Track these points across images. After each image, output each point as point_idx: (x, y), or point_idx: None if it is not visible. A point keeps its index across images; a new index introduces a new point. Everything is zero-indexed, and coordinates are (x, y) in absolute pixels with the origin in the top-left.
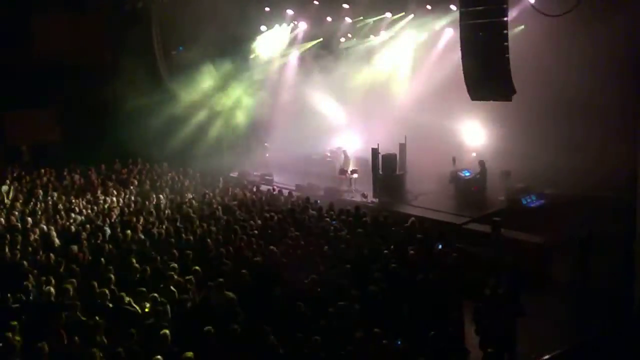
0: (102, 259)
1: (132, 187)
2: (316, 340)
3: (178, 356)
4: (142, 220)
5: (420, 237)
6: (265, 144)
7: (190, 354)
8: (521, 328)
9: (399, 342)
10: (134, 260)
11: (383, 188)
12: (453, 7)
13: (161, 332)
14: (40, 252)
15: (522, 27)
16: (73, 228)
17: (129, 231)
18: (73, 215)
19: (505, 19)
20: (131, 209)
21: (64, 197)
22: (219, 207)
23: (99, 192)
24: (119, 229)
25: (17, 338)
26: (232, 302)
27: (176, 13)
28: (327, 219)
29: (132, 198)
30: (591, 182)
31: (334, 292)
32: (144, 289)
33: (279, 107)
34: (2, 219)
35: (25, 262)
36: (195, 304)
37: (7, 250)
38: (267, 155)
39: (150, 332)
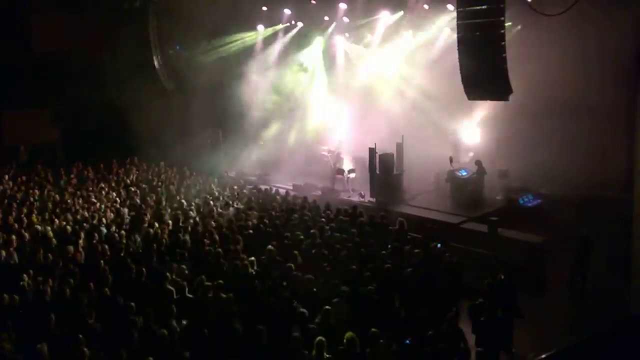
0: (99, 259)
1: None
2: (313, 339)
3: (177, 356)
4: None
5: (417, 236)
6: (261, 143)
7: (186, 354)
8: (518, 327)
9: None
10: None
11: (380, 188)
12: (450, 6)
13: (160, 332)
14: (37, 252)
15: (519, 27)
16: (70, 228)
17: (123, 232)
18: (70, 215)
19: (502, 18)
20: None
21: (60, 197)
22: (217, 207)
23: (95, 191)
24: (115, 229)
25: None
26: (229, 302)
27: (173, 12)
28: (323, 220)
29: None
30: (589, 182)
31: (331, 291)
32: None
33: (276, 105)
34: None
35: (21, 262)
36: (193, 304)
37: (3, 249)
38: (263, 154)
39: (149, 333)
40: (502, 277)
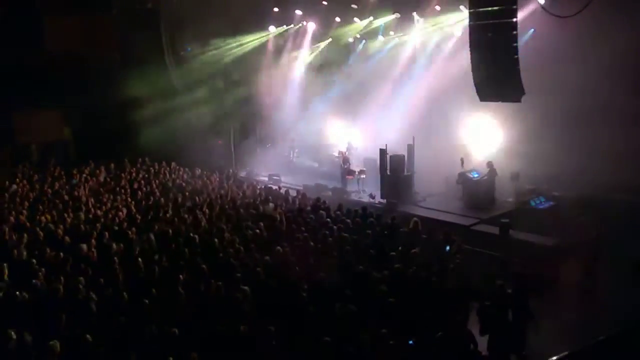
0: (111, 258)
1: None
2: (324, 340)
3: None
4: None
5: (427, 237)
6: (268, 145)
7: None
8: (527, 329)
9: (411, 342)
10: (141, 260)
11: (391, 189)
12: (462, 7)
13: (170, 331)
14: (49, 250)
15: (532, 30)
16: (82, 227)
17: (134, 229)
18: (81, 213)
19: (515, 19)
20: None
21: (72, 196)
22: (228, 207)
23: (108, 190)
24: (127, 228)
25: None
26: (238, 302)
27: (185, 14)
28: (334, 220)
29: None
30: (601, 185)
31: (341, 292)
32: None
33: (287, 106)
34: (12, 218)
35: (33, 260)
36: (204, 303)
37: (16, 248)
38: (274, 154)
39: (159, 332)
40: (513, 279)
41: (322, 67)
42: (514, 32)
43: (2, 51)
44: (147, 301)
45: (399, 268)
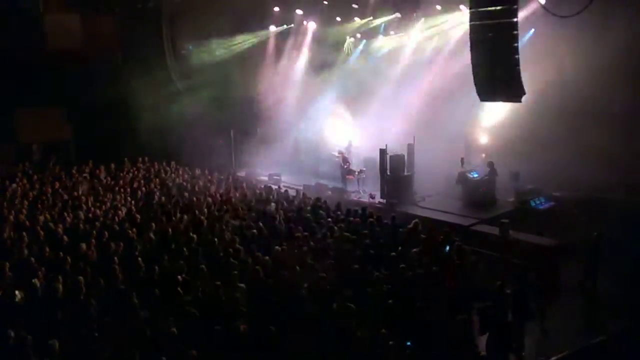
0: (111, 257)
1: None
2: (323, 340)
3: (185, 355)
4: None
5: (426, 237)
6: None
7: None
8: (528, 330)
9: (409, 344)
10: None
11: (391, 189)
12: (463, 7)
13: (169, 330)
14: (48, 250)
15: (532, 30)
16: (81, 226)
17: (135, 229)
18: (81, 213)
19: (515, 19)
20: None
21: (72, 195)
22: (228, 206)
23: (107, 190)
24: (126, 227)
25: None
26: (238, 301)
27: (186, 13)
28: (334, 220)
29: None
30: (601, 184)
31: (341, 292)
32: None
33: (288, 105)
34: (11, 217)
35: (32, 259)
36: (204, 303)
37: (15, 247)
38: (275, 154)
39: (158, 331)
40: (514, 279)
41: (322, 67)
42: (515, 32)
43: (3, 50)
44: (146, 301)
45: (399, 268)
